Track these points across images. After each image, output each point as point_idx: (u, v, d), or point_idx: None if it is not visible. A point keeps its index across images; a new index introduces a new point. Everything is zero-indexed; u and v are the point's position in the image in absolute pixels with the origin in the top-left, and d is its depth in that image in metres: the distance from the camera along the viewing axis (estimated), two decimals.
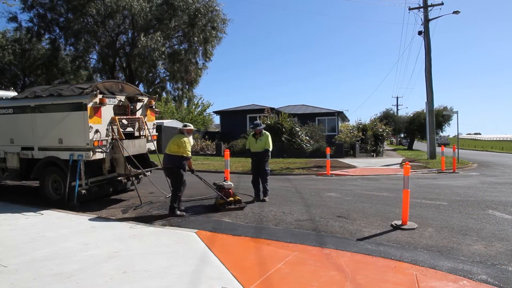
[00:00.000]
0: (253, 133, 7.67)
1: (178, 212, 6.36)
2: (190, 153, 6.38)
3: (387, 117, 37.01)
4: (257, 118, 22.44)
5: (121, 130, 7.32)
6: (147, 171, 7.98)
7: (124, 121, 7.59)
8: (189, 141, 6.42)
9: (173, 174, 6.40)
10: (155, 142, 8.58)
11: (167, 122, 27.40)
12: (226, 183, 6.96)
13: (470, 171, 14.18)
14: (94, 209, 7.02)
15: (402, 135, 51.70)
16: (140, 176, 8.31)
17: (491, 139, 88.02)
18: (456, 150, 15.64)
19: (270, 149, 7.53)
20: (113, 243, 4.74)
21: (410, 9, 19.04)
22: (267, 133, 7.64)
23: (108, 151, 7.14)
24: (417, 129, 37.00)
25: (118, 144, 7.14)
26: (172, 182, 6.47)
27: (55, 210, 6.72)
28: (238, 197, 6.95)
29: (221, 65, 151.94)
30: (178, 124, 30.01)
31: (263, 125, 7.79)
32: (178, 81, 24.71)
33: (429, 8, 18.45)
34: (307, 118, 26.32)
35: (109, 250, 4.45)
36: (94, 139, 6.77)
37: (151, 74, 24.74)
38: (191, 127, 6.66)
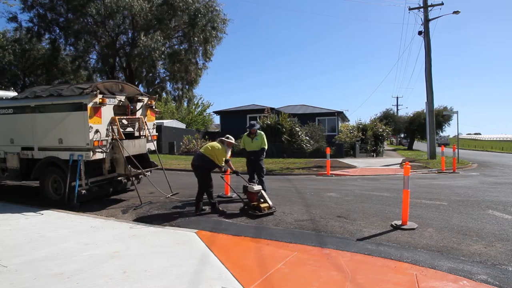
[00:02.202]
0: (247, 133, 7.87)
1: (220, 208, 6.52)
2: (222, 163, 6.62)
3: (387, 117, 37.05)
4: (257, 118, 22.49)
5: (121, 130, 7.33)
6: (147, 171, 8.00)
7: (124, 121, 7.60)
8: (225, 152, 6.60)
9: (200, 173, 6.55)
10: (155, 142, 8.60)
11: (167, 122, 27.46)
12: (249, 186, 6.65)
13: (470, 171, 14.18)
14: (94, 209, 7.03)
15: (402, 135, 51.76)
16: (140, 176, 8.33)
17: (491, 139, 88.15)
18: (456, 150, 15.66)
19: (266, 147, 7.81)
20: (113, 243, 4.74)
21: (410, 9, 19.05)
22: (262, 132, 7.89)
23: (108, 151, 7.14)
24: (417, 129, 37.05)
25: (118, 144, 7.14)
26: (199, 181, 6.58)
27: (55, 210, 6.73)
28: (263, 205, 6.33)
29: (221, 65, 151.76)
30: (178, 124, 30.12)
31: (258, 125, 8.02)
32: (178, 81, 24.69)
33: (429, 8, 18.46)
34: (307, 118, 26.31)
35: (109, 250, 4.45)
36: (94, 139, 6.78)
37: (151, 74, 24.72)
38: (232, 141, 6.82)
